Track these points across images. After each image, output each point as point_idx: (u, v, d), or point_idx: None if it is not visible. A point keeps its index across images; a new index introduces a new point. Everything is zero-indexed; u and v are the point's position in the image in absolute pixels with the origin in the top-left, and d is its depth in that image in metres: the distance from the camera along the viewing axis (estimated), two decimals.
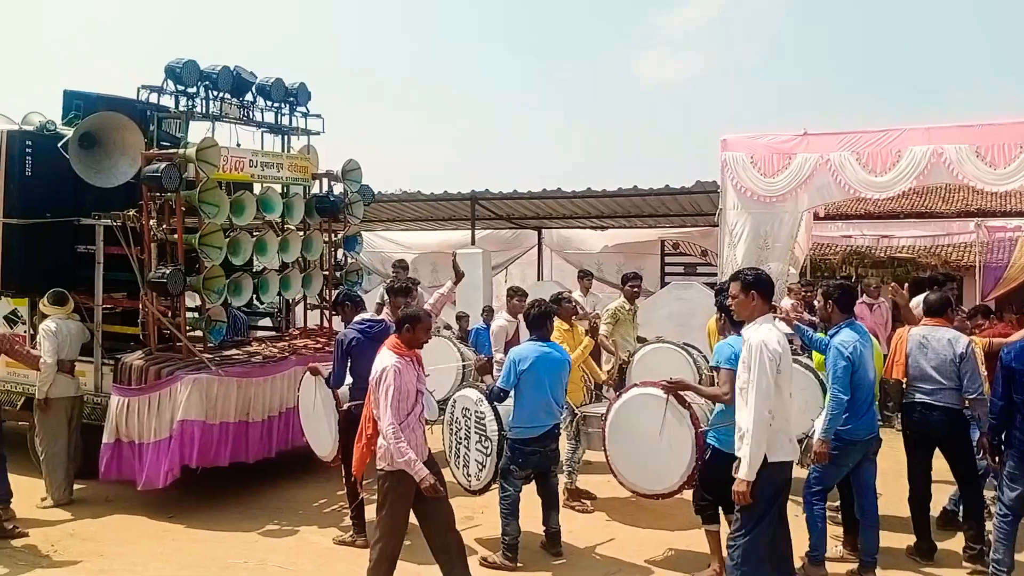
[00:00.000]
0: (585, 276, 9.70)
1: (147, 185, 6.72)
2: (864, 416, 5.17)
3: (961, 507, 5.88)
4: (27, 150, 7.22)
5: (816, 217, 12.62)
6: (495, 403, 5.75)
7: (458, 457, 6.03)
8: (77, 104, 7.61)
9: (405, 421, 4.69)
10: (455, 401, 6.13)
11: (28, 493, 6.94)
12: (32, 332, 7.69)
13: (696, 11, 74.57)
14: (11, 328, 7.89)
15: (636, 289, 8.09)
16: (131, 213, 7.05)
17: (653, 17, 75.60)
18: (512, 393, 5.58)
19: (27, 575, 5.48)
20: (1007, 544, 4.93)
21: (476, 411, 5.88)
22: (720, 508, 5.21)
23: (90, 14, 75.50)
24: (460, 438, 6.00)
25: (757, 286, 4.37)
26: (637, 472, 5.64)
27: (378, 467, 4.76)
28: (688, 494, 5.51)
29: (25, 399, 7.65)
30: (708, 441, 5.14)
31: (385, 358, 4.77)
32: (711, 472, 5.10)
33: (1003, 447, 5.03)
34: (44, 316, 7.11)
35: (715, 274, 11.54)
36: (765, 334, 4.21)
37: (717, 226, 10.97)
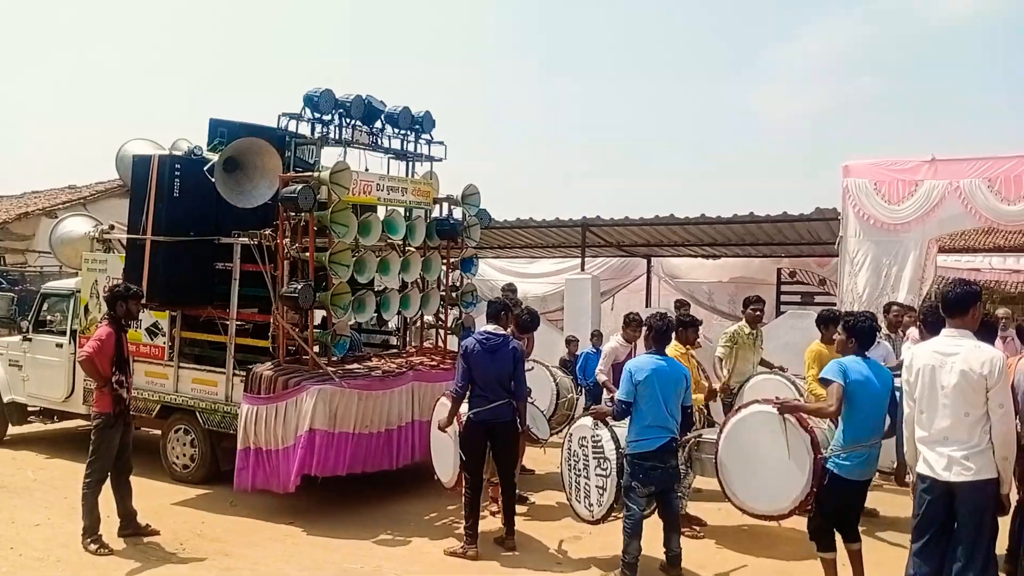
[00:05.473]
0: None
1: (284, 205, 7.09)
2: None
3: None
4: (176, 173, 7.69)
5: (941, 249, 12.14)
6: (614, 422, 5.78)
7: (578, 490, 6.01)
8: (221, 131, 8.07)
9: None
10: (571, 435, 6.14)
11: (159, 495, 7.43)
12: (170, 344, 8.22)
13: (815, 45, 72.87)
14: (151, 339, 8.43)
15: (759, 313, 7.97)
16: (267, 232, 7.47)
17: (769, 52, 74.32)
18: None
19: (158, 569, 5.82)
20: None
21: (592, 436, 5.88)
22: (840, 535, 5.11)
23: (228, 50, 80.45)
24: (579, 470, 5.99)
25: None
26: (747, 490, 5.61)
27: None
28: (802, 524, 5.40)
29: (160, 407, 8.19)
30: (827, 467, 5.04)
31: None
32: (831, 498, 5.01)
33: None
34: None
35: (834, 303, 11.23)
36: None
37: (836, 255, 10.71)
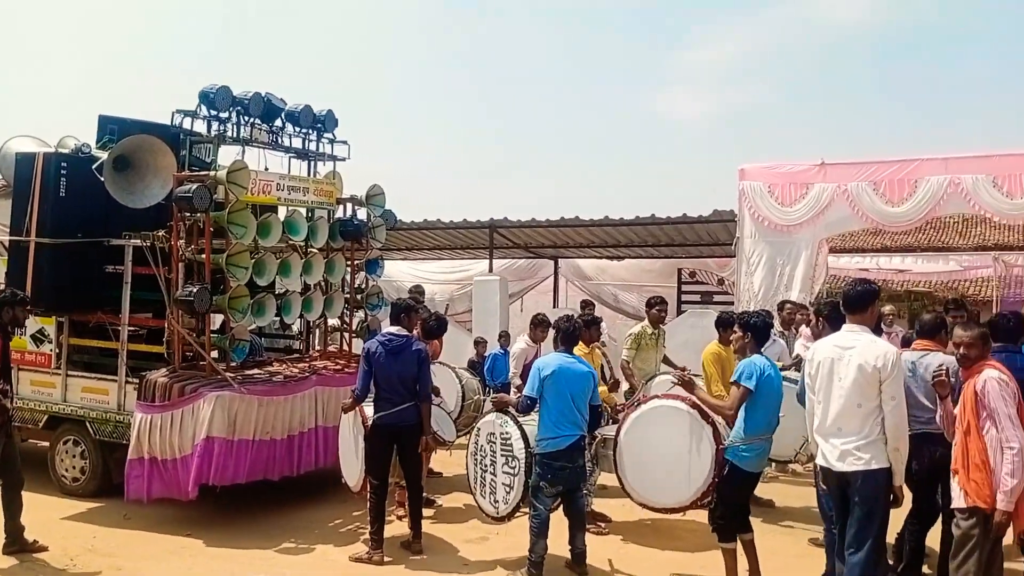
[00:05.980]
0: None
1: (178, 205, 6.85)
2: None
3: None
4: (62, 172, 7.35)
5: (832, 250, 12.71)
6: (521, 419, 5.81)
7: (483, 485, 5.99)
8: (112, 128, 7.77)
9: None
10: (479, 429, 6.11)
11: (48, 509, 7.07)
12: (58, 351, 7.84)
13: (711, 52, 75.50)
14: (37, 346, 8.02)
15: (662, 313, 8.18)
16: (160, 234, 7.21)
17: (671, 57, 76.58)
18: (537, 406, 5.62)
19: None
20: None
21: (501, 433, 5.87)
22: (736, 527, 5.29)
23: (122, 44, 77.36)
24: (485, 465, 5.97)
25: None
26: (648, 484, 5.73)
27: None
28: (703, 516, 5.56)
29: (48, 417, 7.81)
30: (727, 458, 5.20)
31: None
32: (732, 489, 5.17)
33: None
34: None
35: (732, 303, 11.62)
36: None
37: (734, 256, 11.07)
